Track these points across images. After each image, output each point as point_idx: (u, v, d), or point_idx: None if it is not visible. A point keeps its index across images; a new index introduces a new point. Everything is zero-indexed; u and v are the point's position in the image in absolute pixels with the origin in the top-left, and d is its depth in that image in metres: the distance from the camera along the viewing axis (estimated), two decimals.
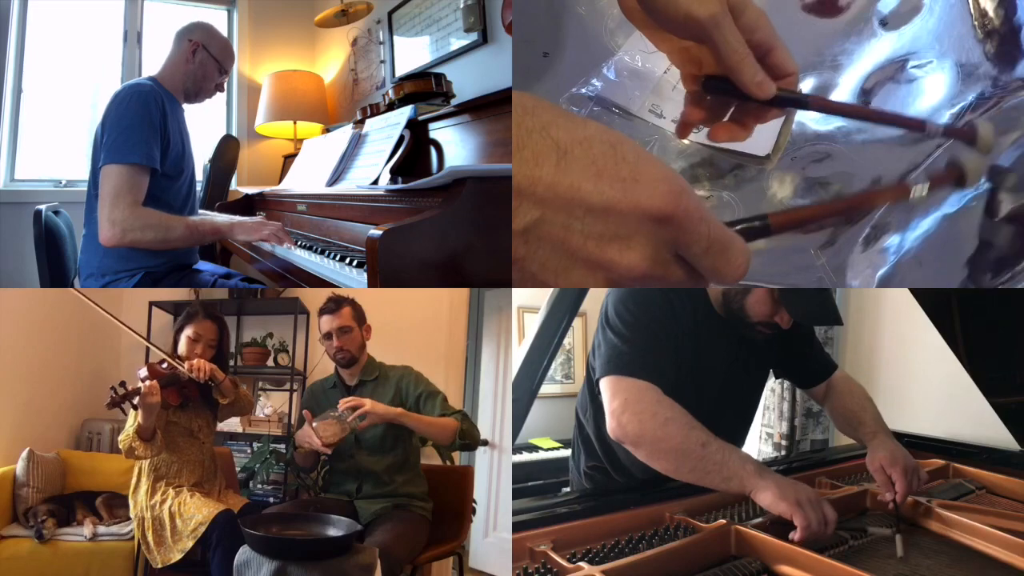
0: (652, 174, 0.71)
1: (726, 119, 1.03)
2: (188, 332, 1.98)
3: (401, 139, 2.34)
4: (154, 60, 3.86)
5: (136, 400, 1.77)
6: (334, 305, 1.98)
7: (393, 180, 2.22)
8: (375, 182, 2.25)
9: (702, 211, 0.74)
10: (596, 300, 1.62)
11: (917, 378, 2.52)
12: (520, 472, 3.15)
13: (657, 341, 1.39)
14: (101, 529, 2.27)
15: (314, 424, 1.83)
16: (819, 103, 1.09)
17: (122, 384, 1.79)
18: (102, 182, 1.96)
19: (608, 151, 0.70)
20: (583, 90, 1.32)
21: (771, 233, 0.89)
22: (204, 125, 3.76)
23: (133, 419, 1.83)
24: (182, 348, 1.97)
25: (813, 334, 1.76)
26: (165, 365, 1.89)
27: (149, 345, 1.91)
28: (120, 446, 1.86)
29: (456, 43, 2.96)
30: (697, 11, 0.92)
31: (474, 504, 2.30)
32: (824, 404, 1.72)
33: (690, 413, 1.56)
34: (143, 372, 1.83)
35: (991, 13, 1.21)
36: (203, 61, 2.20)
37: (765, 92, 0.96)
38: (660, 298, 1.43)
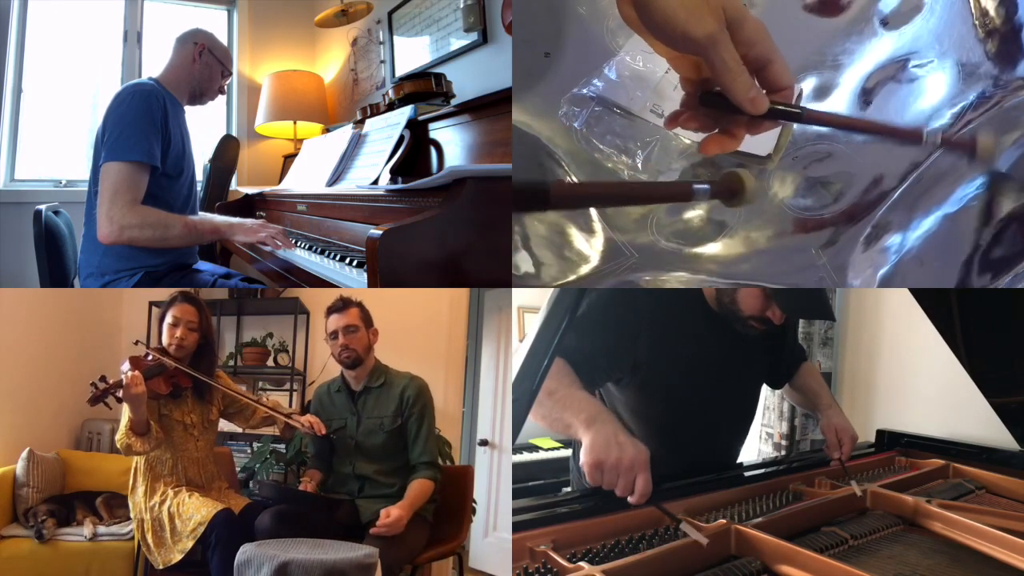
0: None
1: (716, 131, 1.04)
2: (168, 318, 1.97)
3: (401, 139, 2.34)
4: (154, 60, 3.87)
5: (120, 393, 1.76)
6: (342, 304, 1.99)
7: (393, 180, 2.22)
8: (375, 182, 2.25)
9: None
10: None
11: (917, 378, 2.52)
12: (520, 472, 3.14)
13: (604, 331, 1.47)
14: (101, 529, 2.27)
15: None
16: (813, 116, 1.08)
17: (102, 379, 1.77)
18: (102, 179, 1.96)
19: None
20: (584, 90, 1.32)
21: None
22: (204, 125, 3.76)
23: (126, 415, 1.83)
24: (165, 336, 1.96)
25: (790, 330, 1.84)
26: (150, 357, 1.87)
27: (164, 361, 1.89)
28: (118, 445, 1.86)
29: (456, 43, 2.96)
30: (694, 31, 0.92)
31: (474, 504, 2.29)
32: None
33: (687, 410, 1.57)
34: (125, 365, 1.81)
35: (992, 12, 1.21)
36: (208, 62, 2.23)
37: (758, 108, 0.97)
38: (621, 296, 1.48)
